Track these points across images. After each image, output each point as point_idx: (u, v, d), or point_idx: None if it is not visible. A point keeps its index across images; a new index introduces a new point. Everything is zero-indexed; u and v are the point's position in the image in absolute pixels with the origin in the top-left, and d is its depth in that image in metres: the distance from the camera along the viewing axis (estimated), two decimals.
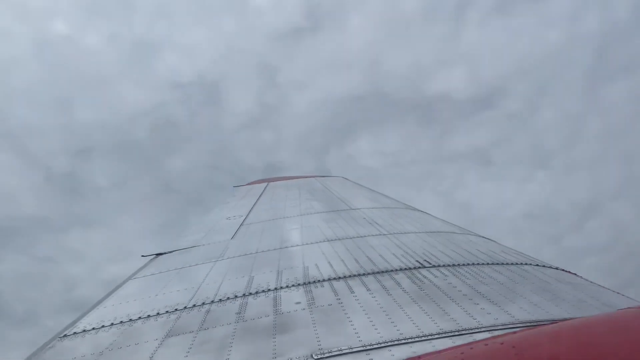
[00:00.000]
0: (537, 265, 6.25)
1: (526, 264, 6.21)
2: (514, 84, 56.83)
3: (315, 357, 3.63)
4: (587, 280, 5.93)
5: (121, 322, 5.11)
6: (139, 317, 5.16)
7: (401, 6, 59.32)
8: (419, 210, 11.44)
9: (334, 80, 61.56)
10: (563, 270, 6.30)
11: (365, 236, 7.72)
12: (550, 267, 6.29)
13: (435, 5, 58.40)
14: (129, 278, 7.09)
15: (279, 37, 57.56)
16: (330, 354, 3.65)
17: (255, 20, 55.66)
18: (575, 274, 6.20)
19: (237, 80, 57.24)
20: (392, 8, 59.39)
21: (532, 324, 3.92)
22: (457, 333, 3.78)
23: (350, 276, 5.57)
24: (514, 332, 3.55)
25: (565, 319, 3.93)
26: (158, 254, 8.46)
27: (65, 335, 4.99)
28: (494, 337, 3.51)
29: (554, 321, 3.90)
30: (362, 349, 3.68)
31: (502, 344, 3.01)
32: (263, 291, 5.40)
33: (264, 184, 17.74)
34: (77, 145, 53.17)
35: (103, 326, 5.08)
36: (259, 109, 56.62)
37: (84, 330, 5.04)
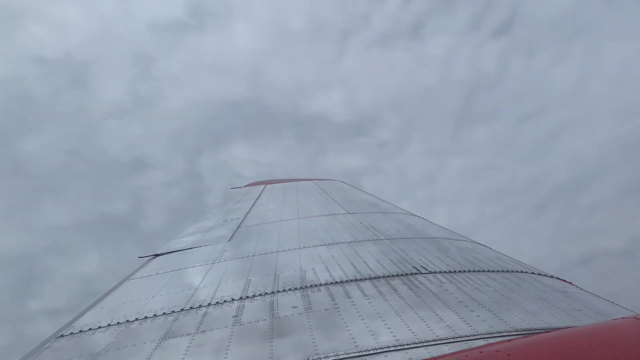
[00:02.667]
0: (533, 273, 6.28)
1: (522, 271, 6.24)
2: (387, 115, 58.79)
3: None
4: (582, 289, 5.97)
5: (118, 323, 5.12)
6: (136, 319, 5.17)
7: (288, 21, 59.85)
8: (416, 215, 11.46)
9: (214, 83, 60.31)
10: (559, 278, 6.33)
11: (362, 241, 7.74)
12: (546, 275, 6.32)
13: (321, 26, 59.35)
14: (126, 279, 7.10)
15: (159, 29, 55.83)
16: (326, 359, 3.67)
17: (135, 5, 53.72)
18: (570, 283, 6.24)
19: (108, 66, 53.91)
20: (279, 21, 59.76)
21: (527, 332, 3.95)
22: (452, 340, 3.80)
23: (347, 281, 5.59)
24: (509, 340, 3.57)
25: (559, 328, 3.96)
26: (155, 255, 8.47)
27: (61, 335, 4.99)
28: (489, 345, 3.53)
29: (548, 330, 3.93)
30: (358, 354, 3.70)
31: (497, 351, 3.04)
32: (260, 295, 5.42)
33: (262, 186, 17.75)
34: None
35: (100, 327, 5.09)
36: (130, 99, 53.54)
37: (81, 331, 5.05)
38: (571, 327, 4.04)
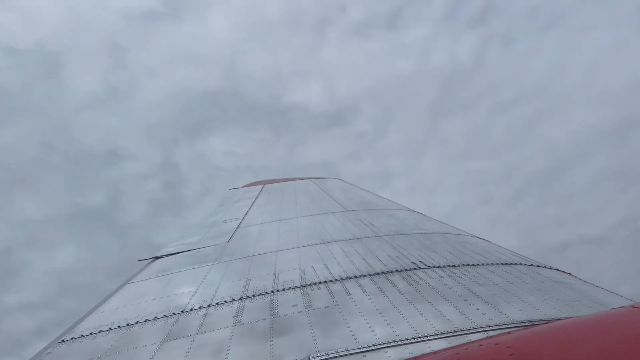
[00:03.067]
0: (532, 265, 6.30)
1: (521, 264, 6.25)
2: (365, 105, 58.66)
3: (313, 359, 3.66)
4: (581, 280, 5.99)
5: (119, 326, 5.12)
6: (137, 322, 5.18)
7: (264, 9, 58.92)
8: (414, 211, 11.48)
9: (190, 73, 59.06)
10: (557, 270, 6.35)
11: (361, 238, 7.75)
12: (544, 267, 6.34)
13: (298, 16, 58.68)
14: (126, 282, 7.10)
15: (133, 18, 54.17)
16: (327, 356, 3.68)
17: None
18: (569, 274, 6.25)
19: (81, 56, 52.22)
20: (255, 10, 58.93)
21: (526, 324, 3.96)
22: (452, 334, 3.81)
23: (346, 278, 5.60)
24: (509, 332, 3.59)
25: (559, 319, 3.97)
26: (155, 258, 8.47)
27: (63, 341, 4.99)
28: (489, 338, 3.55)
29: (548, 321, 3.94)
30: (358, 350, 3.71)
31: (497, 344, 3.05)
32: (260, 294, 5.42)
33: (260, 186, 17.74)
34: None
35: (101, 331, 5.09)
36: (104, 90, 52.17)
37: (82, 336, 5.05)
38: (570, 317, 4.05)
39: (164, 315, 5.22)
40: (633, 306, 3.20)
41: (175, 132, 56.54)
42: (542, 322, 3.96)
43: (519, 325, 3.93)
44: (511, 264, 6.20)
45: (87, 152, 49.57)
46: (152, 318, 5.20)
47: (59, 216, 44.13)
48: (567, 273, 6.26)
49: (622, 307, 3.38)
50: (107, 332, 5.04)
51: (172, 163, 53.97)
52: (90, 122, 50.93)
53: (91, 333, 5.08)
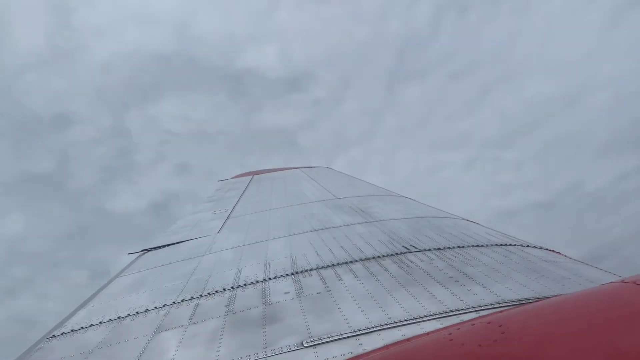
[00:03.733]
0: (522, 245, 6.33)
1: (511, 244, 6.29)
2: (322, 72, 57.59)
3: (306, 345, 3.65)
4: (570, 258, 6.03)
5: (110, 320, 5.08)
6: (128, 314, 5.14)
7: None
8: (403, 196, 11.50)
9: (139, 35, 57.08)
10: (547, 249, 6.39)
11: (351, 224, 7.75)
12: (534, 247, 6.38)
13: None
14: (116, 276, 7.04)
15: None
16: (320, 341, 3.67)
17: None
18: (559, 253, 6.30)
19: (23, 14, 50.05)
20: None
21: (518, 302, 3.98)
22: (444, 315, 3.82)
23: (337, 264, 5.59)
24: (501, 312, 3.60)
25: (550, 297, 4.00)
26: (145, 251, 8.41)
27: (53, 336, 4.95)
28: (481, 317, 3.56)
29: (539, 299, 3.97)
30: (351, 334, 3.71)
31: (489, 323, 3.06)
32: (251, 283, 5.40)
33: (249, 177, 17.68)
34: None
35: (91, 325, 5.05)
36: (49, 50, 50.03)
37: (72, 330, 5.01)
38: (561, 295, 4.08)
39: (155, 307, 5.19)
40: (622, 281, 3.22)
41: (126, 96, 54.62)
42: (532, 300, 3.98)
43: (510, 304, 3.95)
44: (501, 244, 6.23)
45: (32, 116, 47.75)
46: (143, 310, 5.17)
47: (3, 183, 43.05)
48: (556, 252, 6.31)
49: (611, 282, 3.41)
50: (97, 325, 5.00)
51: (123, 128, 52.43)
52: (34, 84, 48.72)
53: (82, 327, 5.03)
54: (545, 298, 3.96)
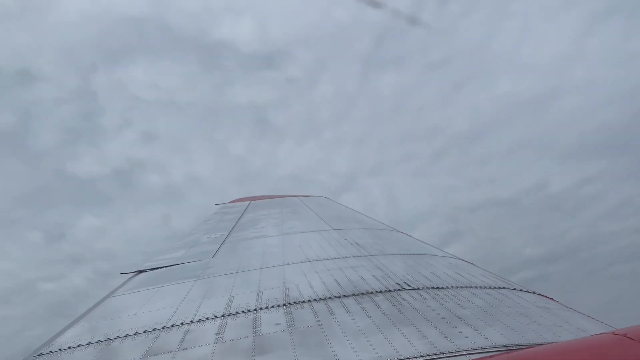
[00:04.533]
0: (515, 289, 6.34)
1: (504, 288, 6.29)
2: (298, 50, 56.76)
3: None
4: (563, 305, 6.04)
5: (98, 341, 5.05)
6: (117, 337, 5.11)
7: None
8: (400, 231, 11.52)
9: None
10: (540, 294, 6.40)
11: (346, 257, 7.75)
12: (527, 291, 6.38)
13: None
14: (108, 296, 7.01)
15: None
16: None
17: None
18: (552, 299, 6.31)
19: None
20: None
21: (508, 348, 3.98)
22: (435, 356, 3.82)
23: (330, 297, 5.59)
24: (491, 357, 3.60)
25: (541, 344, 4.00)
26: (138, 272, 8.39)
27: (40, 354, 4.91)
28: None
29: (529, 345, 3.97)
30: None
31: None
32: (243, 312, 5.39)
33: (247, 203, 17.71)
34: None
35: (80, 345, 5.01)
36: (14, 2, 46.88)
37: (60, 349, 4.97)
38: (552, 343, 4.08)
39: (145, 331, 5.16)
40: (613, 333, 3.24)
41: (94, 57, 51.92)
42: (524, 346, 3.98)
43: (501, 349, 3.95)
44: (495, 287, 6.24)
45: None
46: (133, 333, 5.14)
47: None
48: (549, 298, 6.32)
49: (602, 333, 3.42)
50: (86, 346, 4.96)
51: (89, 90, 50.27)
52: None
53: (70, 347, 4.99)
54: (536, 345, 3.96)
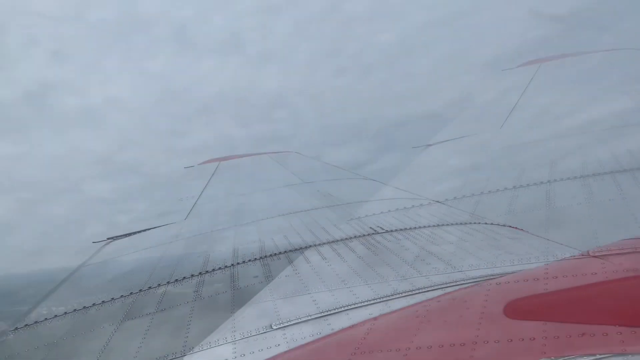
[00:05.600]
0: (486, 223, 6.46)
1: (475, 223, 6.41)
2: None
3: (275, 327, 3.66)
4: (532, 234, 6.18)
5: (74, 310, 4.98)
6: (93, 304, 5.05)
7: None
8: (371, 179, 11.57)
9: None
10: (510, 227, 6.54)
11: (319, 208, 7.76)
12: (497, 224, 6.51)
13: None
14: (81, 266, 6.90)
15: None
16: (289, 323, 3.68)
17: None
18: (521, 230, 6.44)
19: None
20: None
21: (482, 279, 4.07)
22: (411, 293, 3.88)
23: (305, 247, 5.60)
24: (465, 288, 3.67)
25: (513, 272, 4.09)
26: (110, 239, 8.25)
27: (16, 329, 4.82)
28: (446, 294, 3.63)
29: (502, 274, 4.05)
30: (320, 315, 3.73)
31: (453, 299, 3.12)
32: (220, 268, 5.37)
33: (216, 163, 17.47)
34: None
35: (56, 316, 4.94)
36: None
37: (36, 322, 4.89)
38: (524, 270, 4.18)
39: (121, 296, 5.11)
40: (590, 255, 3.33)
41: None
42: (497, 276, 4.06)
43: (474, 280, 4.03)
44: (466, 223, 6.34)
45: None
46: (109, 299, 5.08)
47: None
48: (519, 229, 6.46)
49: (581, 254, 3.51)
50: (62, 316, 4.90)
51: None
52: None
53: (46, 319, 4.92)
54: (509, 274, 4.05)
